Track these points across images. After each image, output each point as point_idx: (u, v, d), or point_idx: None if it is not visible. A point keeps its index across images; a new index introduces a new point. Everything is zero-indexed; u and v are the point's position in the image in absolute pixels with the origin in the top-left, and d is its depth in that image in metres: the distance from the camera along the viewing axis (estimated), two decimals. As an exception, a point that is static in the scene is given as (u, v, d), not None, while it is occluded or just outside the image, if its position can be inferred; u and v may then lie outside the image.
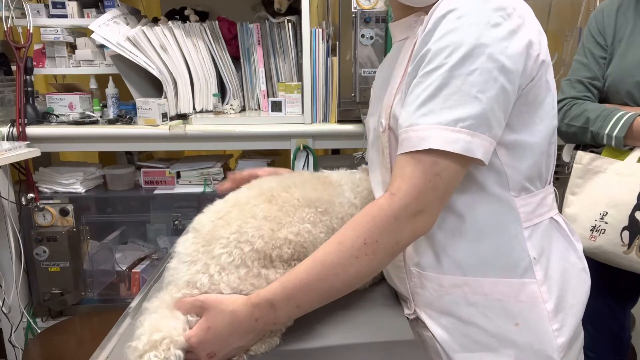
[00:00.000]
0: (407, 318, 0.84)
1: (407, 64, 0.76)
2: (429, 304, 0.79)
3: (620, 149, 1.19)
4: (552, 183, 0.82)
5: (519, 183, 0.75)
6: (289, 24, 1.88)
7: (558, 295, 0.76)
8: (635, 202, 1.14)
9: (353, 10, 1.65)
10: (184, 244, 0.78)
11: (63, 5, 1.90)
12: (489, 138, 0.67)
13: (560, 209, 0.84)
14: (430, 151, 0.65)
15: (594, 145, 1.27)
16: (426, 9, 0.75)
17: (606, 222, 1.18)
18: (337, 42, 1.77)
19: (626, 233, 1.15)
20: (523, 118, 0.73)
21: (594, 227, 1.20)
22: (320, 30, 1.77)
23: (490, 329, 0.75)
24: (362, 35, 1.66)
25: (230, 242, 0.73)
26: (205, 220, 0.80)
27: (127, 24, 1.90)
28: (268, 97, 1.95)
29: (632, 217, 1.15)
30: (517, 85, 0.69)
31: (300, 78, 1.87)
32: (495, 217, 0.75)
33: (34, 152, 1.72)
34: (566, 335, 0.75)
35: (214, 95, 1.95)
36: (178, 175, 1.96)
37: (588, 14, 2.32)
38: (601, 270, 1.24)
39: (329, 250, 0.68)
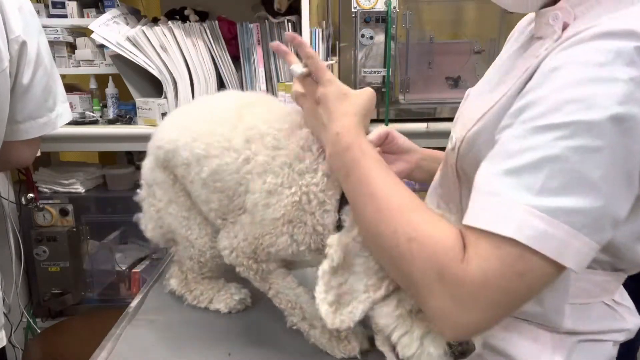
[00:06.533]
0: None
1: (519, 79, 0.59)
2: None
3: None
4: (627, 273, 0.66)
5: None
6: (289, 24, 1.87)
7: None
8: None
9: (353, 10, 1.65)
10: None
11: (63, 5, 1.89)
12: (593, 243, 0.49)
13: None
14: (514, 240, 0.49)
15: None
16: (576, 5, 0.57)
17: None
18: (337, 42, 1.77)
19: None
20: None
21: None
22: (320, 30, 1.76)
23: None
24: (362, 35, 1.66)
25: None
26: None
27: (127, 24, 1.90)
28: (268, 97, 1.95)
29: None
30: None
31: (300, 78, 1.87)
32: None
33: (34, 152, 1.73)
34: None
35: (214, 95, 1.94)
36: (178, 175, 1.96)
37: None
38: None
39: (387, 207, 0.58)
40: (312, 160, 0.75)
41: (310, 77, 0.72)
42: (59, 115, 1.08)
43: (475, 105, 0.68)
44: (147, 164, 0.98)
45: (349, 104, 0.69)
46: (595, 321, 0.65)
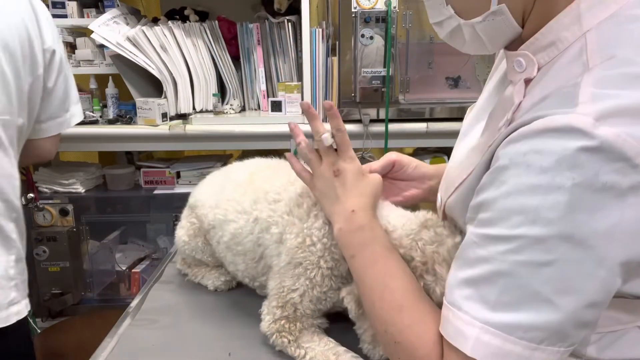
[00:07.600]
0: None
1: (484, 155, 0.56)
2: None
3: None
4: None
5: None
6: (289, 23, 1.88)
7: None
8: None
9: (353, 10, 1.65)
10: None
11: (63, 5, 1.90)
12: (562, 349, 0.48)
13: None
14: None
15: None
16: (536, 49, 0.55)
17: None
18: (337, 42, 1.77)
19: None
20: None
21: None
22: (320, 30, 1.77)
23: None
24: (362, 35, 1.66)
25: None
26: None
27: (127, 24, 1.90)
28: (268, 97, 1.95)
29: None
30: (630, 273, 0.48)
31: (300, 78, 1.87)
32: None
33: (34, 152, 1.73)
34: None
35: (213, 95, 1.95)
36: (178, 175, 1.96)
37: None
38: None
39: (388, 299, 0.62)
40: (310, 205, 0.77)
41: (332, 147, 0.73)
42: (73, 115, 1.20)
43: (457, 162, 0.67)
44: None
45: (367, 185, 0.71)
46: (626, 350, 0.58)
